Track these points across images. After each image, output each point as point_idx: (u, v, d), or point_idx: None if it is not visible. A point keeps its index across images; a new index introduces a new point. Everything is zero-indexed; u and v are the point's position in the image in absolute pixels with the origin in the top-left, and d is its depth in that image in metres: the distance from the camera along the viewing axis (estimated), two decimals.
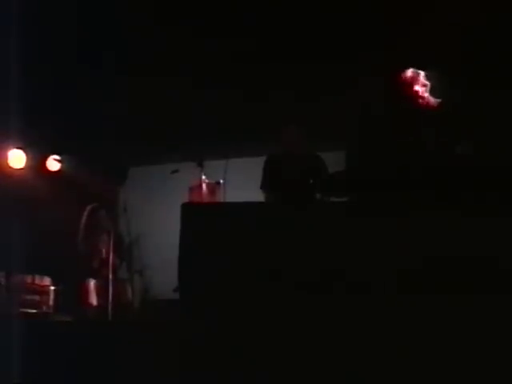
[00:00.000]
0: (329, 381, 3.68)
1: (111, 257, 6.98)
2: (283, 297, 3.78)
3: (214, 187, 6.55)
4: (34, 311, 6.80)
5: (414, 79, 4.62)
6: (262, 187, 5.89)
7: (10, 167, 8.03)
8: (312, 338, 3.71)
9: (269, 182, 5.94)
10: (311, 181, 5.51)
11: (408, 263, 3.69)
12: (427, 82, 4.62)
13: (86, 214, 7.31)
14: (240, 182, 6.39)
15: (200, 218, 4.12)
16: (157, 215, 7.93)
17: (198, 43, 6.27)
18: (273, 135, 6.03)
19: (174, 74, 6.67)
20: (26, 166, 8.12)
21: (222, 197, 6.47)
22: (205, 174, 6.60)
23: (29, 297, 6.86)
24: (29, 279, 6.95)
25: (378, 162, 4.35)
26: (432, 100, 4.59)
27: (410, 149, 4.33)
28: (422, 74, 4.64)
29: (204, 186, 6.52)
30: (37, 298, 6.92)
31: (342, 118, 6.29)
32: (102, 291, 6.97)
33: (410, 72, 4.65)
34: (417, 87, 4.59)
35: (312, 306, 3.73)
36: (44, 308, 6.95)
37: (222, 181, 6.52)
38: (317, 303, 3.73)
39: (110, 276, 6.85)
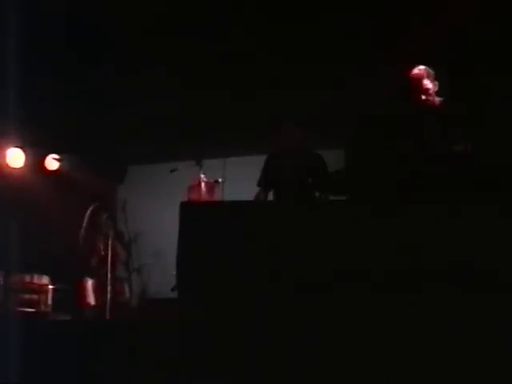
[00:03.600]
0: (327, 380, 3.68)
1: (109, 256, 6.98)
2: (283, 296, 3.78)
3: (212, 186, 6.55)
4: (33, 310, 6.80)
5: (425, 75, 4.67)
6: (259, 184, 5.88)
7: (9, 166, 8.02)
8: (312, 338, 3.71)
9: (268, 181, 5.93)
10: (310, 179, 5.50)
11: (407, 263, 3.68)
12: (436, 82, 4.67)
13: (88, 214, 7.30)
14: (239, 180, 6.39)
15: (199, 216, 4.11)
16: (155, 214, 7.92)
17: (197, 43, 6.27)
18: (272, 134, 6.02)
19: (173, 74, 6.66)
20: (24, 165, 8.12)
21: (220, 195, 6.47)
22: (204, 173, 6.59)
23: (27, 296, 6.86)
24: (27, 278, 6.95)
25: (378, 160, 4.35)
26: (436, 99, 4.61)
27: (410, 148, 4.32)
28: (432, 72, 4.69)
29: (203, 184, 6.52)
30: (35, 296, 6.92)
31: (342, 116, 6.29)
32: (100, 290, 6.97)
33: (421, 68, 4.70)
34: (427, 83, 4.64)
35: (312, 306, 3.73)
36: (42, 307, 6.94)
37: (220, 179, 6.53)
38: (317, 303, 3.73)
39: (109, 275, 6.85)
